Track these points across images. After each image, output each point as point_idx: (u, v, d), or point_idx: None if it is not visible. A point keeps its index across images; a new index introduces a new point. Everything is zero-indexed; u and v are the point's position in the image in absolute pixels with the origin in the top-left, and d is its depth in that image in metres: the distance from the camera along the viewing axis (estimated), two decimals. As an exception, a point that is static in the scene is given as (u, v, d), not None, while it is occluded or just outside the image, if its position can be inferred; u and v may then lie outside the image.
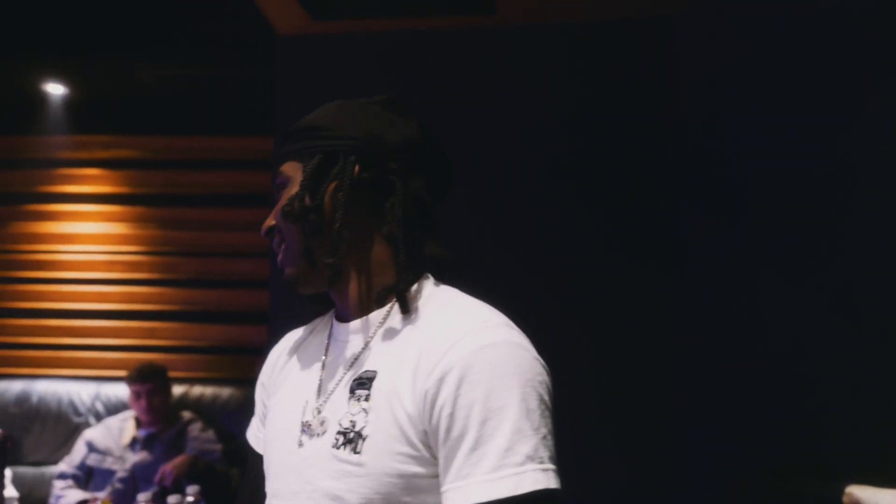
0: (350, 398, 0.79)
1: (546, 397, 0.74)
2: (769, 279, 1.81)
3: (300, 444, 0.81)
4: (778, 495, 1.69)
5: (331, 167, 0.83)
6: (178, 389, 3.01)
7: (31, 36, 2.86)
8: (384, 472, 0.74)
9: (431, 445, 0.74)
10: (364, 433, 0.76)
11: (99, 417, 3.07)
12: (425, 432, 0.74)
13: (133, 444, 2.74)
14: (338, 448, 0.77)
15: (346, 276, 0.85)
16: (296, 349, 0.96)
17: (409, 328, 0.81)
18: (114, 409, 3.06)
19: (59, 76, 3.20)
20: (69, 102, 3.38)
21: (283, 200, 0.85)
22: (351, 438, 0.76)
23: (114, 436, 2.77)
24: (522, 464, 0.69)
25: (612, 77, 2.36)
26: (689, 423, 2.10)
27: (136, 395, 2.74)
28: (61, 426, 3.10)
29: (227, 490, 2.66)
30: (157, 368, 2.81)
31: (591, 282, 2.29)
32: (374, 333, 0.83)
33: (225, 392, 3.11)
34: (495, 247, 2.30)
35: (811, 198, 1.72)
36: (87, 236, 3.42)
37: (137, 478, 2.64)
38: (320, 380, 0.86)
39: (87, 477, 2.72)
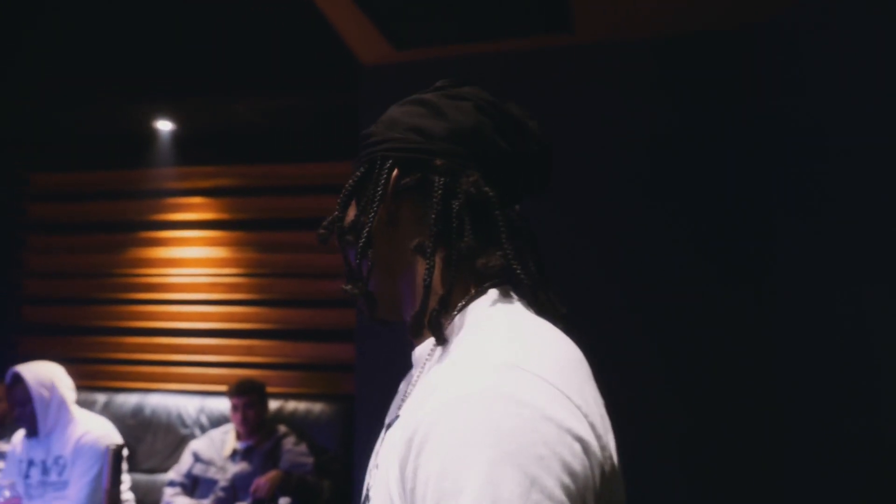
0: (380, 447, 0.68)
1: (549, 481, 0.48)
2: (863, 285, 1.72)
3: None
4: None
5: (370, 178, 0.71)
6: (274, 404, 3.16)
7: (142, 78, 3.14)
8: None
9: None
10: (371, 495, 0.63)
11: (203, 429, 3.26)
12: None
13: (233, 455, 2.89)
14: None
15: (398, 300, 0.72)
16: None
17: (437, 365, 0.64)
18: (217, 421, 3.25)
19: (168, 114, 3.48)
20: (176, 137, 3.67)
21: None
22: (363, 501, 0.65)
23: (216, 447, 2.94)
24: None
25: (696, 90, 2.32)
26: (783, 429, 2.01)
27: (235, 408, 2.91)
28: (171, 437, 3.32)
29: (319, 502, 2.76)
30: (254, 384, 2.97)
31: (680, 294, 2.24)
32: (424, 366, 0.69)
33: (317, 407, 3.23)
34: (582, 263, 2.29)
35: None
36: (192, 260, 3.67)
37: (237, 487, 2.79)
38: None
39: (193, 485, 2.88)
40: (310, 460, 2.89)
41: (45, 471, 2.61)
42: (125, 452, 2.74)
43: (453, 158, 0.68)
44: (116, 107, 3.36)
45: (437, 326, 0.64)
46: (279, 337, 3.53)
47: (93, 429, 2.61)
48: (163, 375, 3.64)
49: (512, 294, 0.68)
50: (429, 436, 0.52)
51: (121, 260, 3.75)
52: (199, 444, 2.97)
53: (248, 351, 3.56)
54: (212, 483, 2.83)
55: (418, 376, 0.68)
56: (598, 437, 0.54)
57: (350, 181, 0.72)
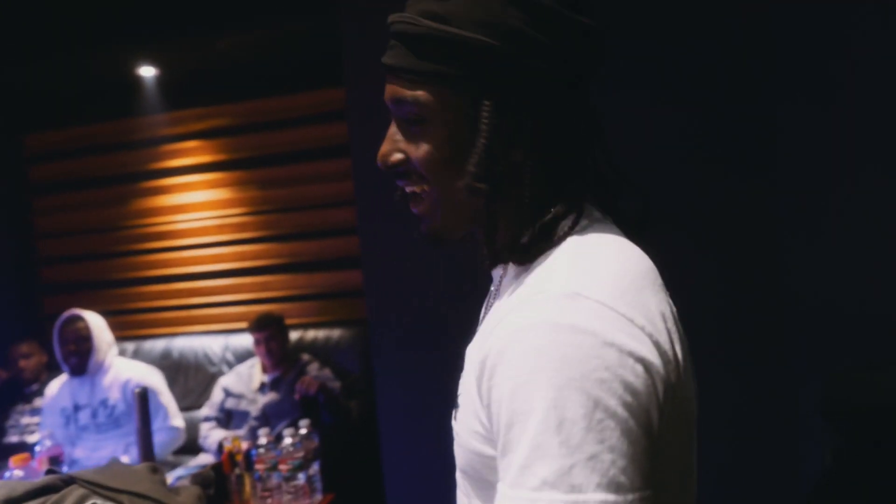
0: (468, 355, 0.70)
1: (611, 401, 0.53)
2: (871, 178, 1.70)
3: None
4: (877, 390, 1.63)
5: (506, 109, 0.62)
6: (294, 335, 3.25)
7: (114, 24, 3.06)
8: (467, 447, 0.64)
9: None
10: (459, 401, 0.67)
11: (230, 365, 3.39)
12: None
13: (262, 387, 3.00)
14: (454, 408, 0.69)
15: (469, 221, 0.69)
16: None
17: (512, 287, 0.66)
18: (241, 357, 3.37)
19: (148, 59, 3.41)
20: (162, 83, 3.61)
21: (426, 137, 0.65)
22: (456, 404, 0.68)
23: (244, 381, 3.05)
24: (538, 488, 0.52)
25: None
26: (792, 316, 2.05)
27: (257, 342, 3.01)
28: (200, 375, 3.46)
29: (349, 420, 2.89)
30: (273, 317, 3.06)
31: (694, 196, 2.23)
32: (501, 283, 0.71)
33: (335, 333, 3.32)
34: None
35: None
36: (197, 204, 3.71)
37: (269, 415, 2.92)
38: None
39: (227, 418, 3.02)
40: (337, 383, 2.99)
41: (94, 413, 2.82)
42: (163, 387, 2.94)
43: (545, 63, 0.62)
44: (93, 56, 3.30)
45: (517, 248, 0.64)
46: (291, 270, 3.59)
47: (135, 374, 2.90)
48: (185, 319, 3.75)
49: (586, 208, 0.66)
50: (500, 360, 0.57)
51: (127, 212, 3.79)
52: (227, 380, 3.09)
53: (263, 287, 3.64)
54: (244, 415, 2.96)
55: (495, 296, 0.72)
56: (663, 354, 0.57)
57: (486, 114, 0.62)
